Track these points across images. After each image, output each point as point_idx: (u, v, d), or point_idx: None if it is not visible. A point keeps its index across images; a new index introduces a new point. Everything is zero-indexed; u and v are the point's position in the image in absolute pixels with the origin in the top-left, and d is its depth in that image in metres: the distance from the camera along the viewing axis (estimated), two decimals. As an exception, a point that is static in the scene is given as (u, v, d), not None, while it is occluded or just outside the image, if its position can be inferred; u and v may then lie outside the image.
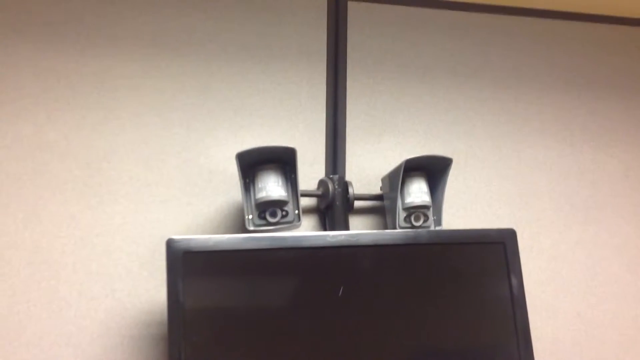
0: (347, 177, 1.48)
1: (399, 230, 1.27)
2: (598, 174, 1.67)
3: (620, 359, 1.55)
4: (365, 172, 1.50)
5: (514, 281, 1.27)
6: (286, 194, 1.27)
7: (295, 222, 1.28)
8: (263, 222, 1.27)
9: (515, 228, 1.56)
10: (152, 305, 1.29)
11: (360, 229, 1.45)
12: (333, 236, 1.19)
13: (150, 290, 1.29)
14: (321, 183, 1.42)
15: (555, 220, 1.61)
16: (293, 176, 1.28)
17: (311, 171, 1.47)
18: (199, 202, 1.37)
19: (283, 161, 1.29)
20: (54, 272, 1.25)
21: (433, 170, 1.41)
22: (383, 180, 1.44)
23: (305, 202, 1.44)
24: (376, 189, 1.49)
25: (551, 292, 1.56)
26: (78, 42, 1.37)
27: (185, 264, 1.11)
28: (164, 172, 1.36)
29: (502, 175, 1.60)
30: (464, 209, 1.55)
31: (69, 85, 1.34)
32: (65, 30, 1.37)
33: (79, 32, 1.38)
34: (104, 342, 1.24)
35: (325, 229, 1.43)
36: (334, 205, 1.39)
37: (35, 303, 1.22)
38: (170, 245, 1.11)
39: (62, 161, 1.30)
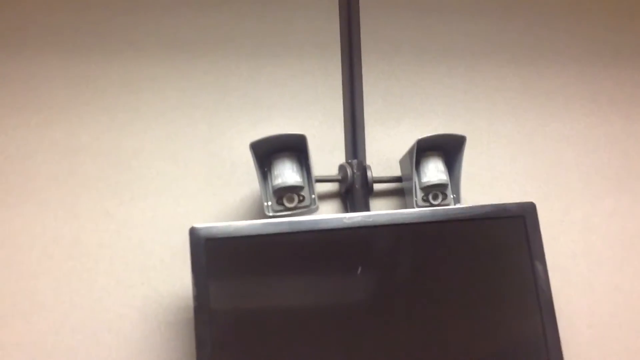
0: (368, 162, 1.51)
1: (415, 209, 1.29)
2: (629, 143, 1.64)
3: (662, 331, 1.52)
4: (386, 156, 1.53)
5: (535, 255, 1.26)
6: (301, 179, 1.31)
7: (311, 206, 1.32)
8: (281, 207, 1.31)
9: (543, 202, 1.56)
10: (186, 292, 1.35)
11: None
12: (349, 218, 1.22)
13: (183, 278, 1.36)
14: (340, 168, 1.46)
15: (586, 193, 1.58)
16: (308, 162, 1.32)
17: (331, 157, 1.50)
18: (223, 193, 1.43)
19: (298, 149, 1.33)
20: (93, 264, 1.33)
21: (449, 149, 1.42)
22: (401, 162, 1.46)
23: (327, 187, 1.48)
24: (398, 172, 1.51)
25: (586, 265, 1.53)
26: (104, 49, 1.46)
27: (207, 250, 1.16)
28: (190, 166, 1.43)
29: (527, 151, 1.59)
30: (489, 186, 1.55)
31: (98, 89, 1.43)
32: (91, 40, 1.46)
33: (105, 40, 1.47)
34: (142, 327, 1.31)
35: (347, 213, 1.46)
36: (353, 188, 1.43)
37: (77, 293, 1.31)
38: (193, 233, 1.16)
39: (94, 161, 1.39)
